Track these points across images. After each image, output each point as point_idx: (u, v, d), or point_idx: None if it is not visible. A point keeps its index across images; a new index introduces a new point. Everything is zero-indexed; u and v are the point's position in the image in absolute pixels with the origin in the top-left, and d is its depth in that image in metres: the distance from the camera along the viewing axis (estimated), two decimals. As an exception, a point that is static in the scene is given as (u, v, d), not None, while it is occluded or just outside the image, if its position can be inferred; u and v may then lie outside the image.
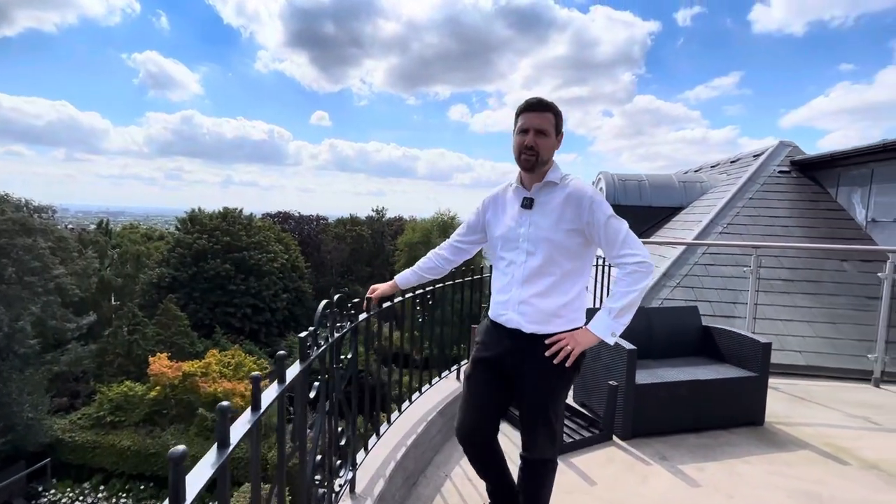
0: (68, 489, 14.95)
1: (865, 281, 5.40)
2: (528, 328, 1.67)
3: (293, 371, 1.21)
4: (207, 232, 28.88)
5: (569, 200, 1.65)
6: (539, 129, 1.63)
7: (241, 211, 31.58)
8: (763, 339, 3.32)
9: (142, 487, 15.14)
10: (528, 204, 1.69)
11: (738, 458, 2.86)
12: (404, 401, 2.67)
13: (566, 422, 3.13)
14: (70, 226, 32.87)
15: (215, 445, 0.81)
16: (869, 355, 4.37)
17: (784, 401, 3.80)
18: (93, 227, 33.14)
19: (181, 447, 0.67)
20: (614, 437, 3.05)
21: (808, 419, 3.47)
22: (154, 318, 22.22)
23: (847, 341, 4.92)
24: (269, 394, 1.07)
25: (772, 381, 3.44)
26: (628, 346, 3.04)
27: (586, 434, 3.03)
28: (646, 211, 8.36)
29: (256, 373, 0.97)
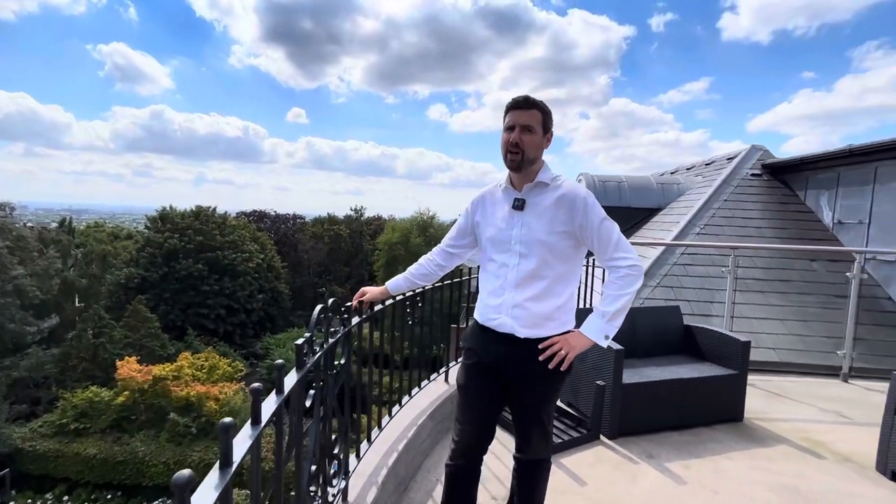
0: (29, 500, 14.20)
1: (834, 280, 5.64)
2: (522, 333, 1.64)
3: (291, 380, 1.16)
4: (179, 231, 27.95)
5: (562, 202, 1.63)
6: (525, 126, 1.60)
7: (214, 209, 30.69)
8: (742, 338, 3.41)
9: (109, 497, 14.51)
10: (519, 205, 1.66)
11: (721, 454, 2.92)
12: (395, 405, 2.62)
13: (555, 422, 3.14)
14: (30, 224, 31.24)
15: (217, 466, 0.75)
16: (838, 352, 4.56)
17: (761, 397, 3.92)
18: (54, 225, 31.62)
19: (187, 472, 0.62)
20: (602, 437, 3.07)
21: (784, 414, 3.59)
22: (122, 321, 21.35)
23: (817, 338, 5.13)
24: (268, 405, 1.01)
25: (749, 377, 3.54)
26: (616, 346, 3.07)
27: (574, 434, 3.04)
28: (625, 212, 8.52)
29: (257, 385, 0.91)
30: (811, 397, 3.98)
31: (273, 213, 40.47)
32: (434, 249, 2.02)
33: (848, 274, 4.50)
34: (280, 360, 1.08)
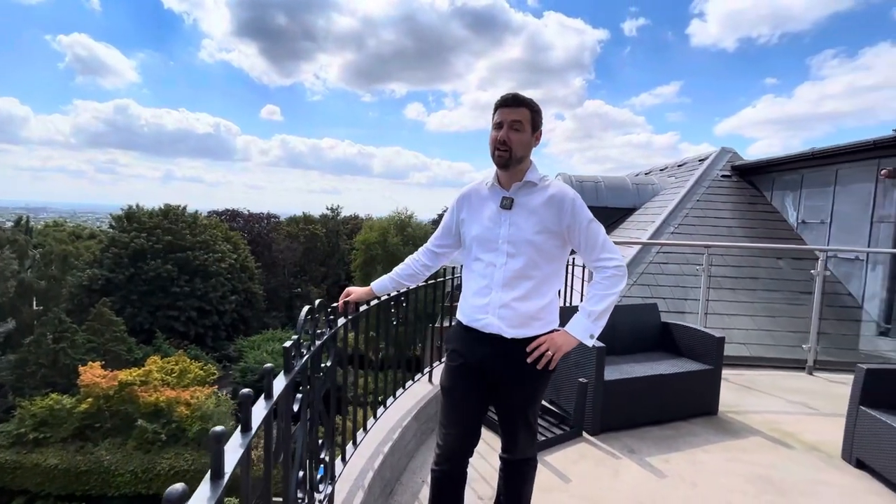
0: (-17, 516, 13.42)
1: (799, 277, 5.90)
2: (509, 333, 1.62)
3: (279, 384, 1.11)
4: (146, 230, 26.91)
5: (551, 202, 1.63)
6: (513, 125, 1.59)
7: (184, 208, 29.69)
8: (716, 334, 3.52)
9: (72, 509, 13.85)
10: (507, 204, 1.64)
11: (699, 447, 3.01)
12: (379, 407, 2.58)
13: (539, 420, 3.16)
14: (-18, 223, 29.46)
15: (207, 477, 0.70)
16: (803, 346, 4.76)
17: (733, 390, 4.05)
18: (10, 224, 29.90)
19: (180, 486, 0.57)
20: (584, 433, 3.11)
21: (755, 407, 3.72)
22: (85, 324, 20.40)
23: (784, 333, 5.35)
24: (257, 411, 0.96)
25: (722, 372, 3.66)
26: (598, 344, 3.12)
27: (557, 431, 3.07)
28: (602, 211, 8.69)
29: (246, 390, 0.87)
30: (779, 390, 4.14)
31: (246, 213, 39.47)
32: (420, 249, 1.98)
33: (812, 271, 4.70)
34: (269, 364, 1.03)
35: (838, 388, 4.18)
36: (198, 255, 27.17)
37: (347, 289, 2.01)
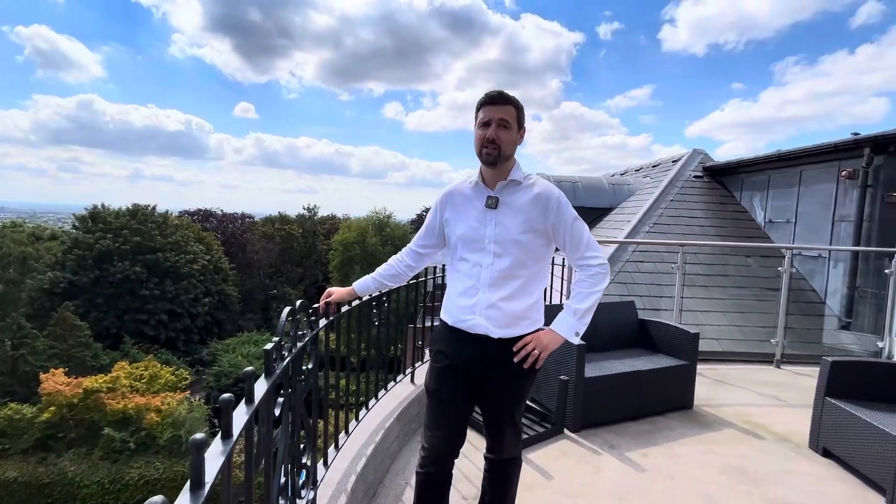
0: (-66, 535, 12.62)
1: (766, 275, 6.13)
2: (497, 333, 1.61)
3: (261, 388, 1.07)
4: (113, 231, 25.85)
5: (536, 201, 1.62)
6: (501, 122, 1.58)
7: (153, 208, 28.67)
8: (691, 330, 3.61)
9: (33, 524, 13.18)
10: (493, 203, 1.62)
11: (676, 440, 3.08)
12: (361, 409, 2.54)
13: (521, 418, 3.18)
14: (-68, 223, 27.76)
15: (187, 487, 0.67)
16: (771, 340, 4.95)
17: (707, 385, 4.17)
18: (-37, 224, 28.26)
19: (158, 499, 0.54)
20: (566, 430, 3.15)
21: (728, 400, 3.84)
22: (46, 330, 19.46)
23: (753, 328, 5.55)
24: (238, 416, 0.92)
25: (697, 367, 3.76)
26: (577, 341, 3.15)
27: (539, 429, 3.09)
28: (579, 211, 8.69)
29: (226, 395, 0.83)
30: (750, 383, 4.29)
31: (220, 212, 38.43)
32: (403, 250, 1.95)
33: (779, 269, 4.89)
34: (250, 368, 0.99)
35: (805, 381, 4.36)
36: (168, 256, 26.28)
37: (328, 289, 1.96)
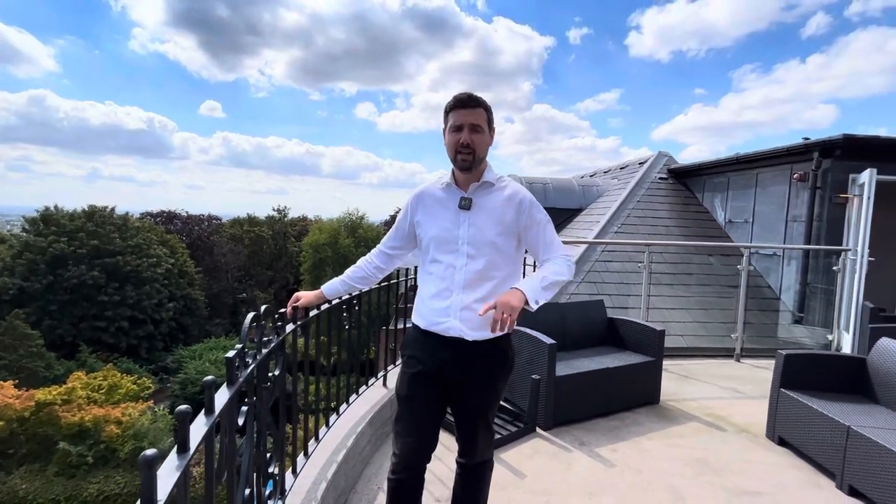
0: None
1: (727, 273, 6.40)
2: (471, 335, 1.59)
3: (222, 398, 1.03)
4: (67, 234, 24.51)
5: (510, 203, 1.63)
6: (473, 127, 1.56)
7: (112, 209, 27.34)
8: (657, 327, 3.73)
9: (-20, 547, 12.32)
10: (466, 205, 1.61)
11: (643, 435, 3.17)
12: (332, 414, 2.49)
13: (493, 418, 3.20)
14: None
15: (138, 506, 0.63)
16: (732, 335, 5.17)
17: (673, 380, 4.32)
18: None
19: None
20: (538, 429, 3.19)
21: (692, 394, 3.98)
22: (-7, 339, 18.24)
23: (715, 324, 5.78)
24: (197, 428, 0.89)
25: (663, 363, 3.88)
26: (548, 340, 3.21)
27: (512, 428, 3.12)
28: (550, 212, 8.86)
29: (183, 407, 0.80)
30: (712, 377, 4.47)
31: (184, 214, 37.08)
32: (372, 251, 1.92)
33: (738, 267, 5.12)
34: (210, 377, 0.96)
35: (762, 373, 4.58)
36: (129, 260, 25.12)
37: (296, 294, 1.91)
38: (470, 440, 1.74)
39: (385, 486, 2.31)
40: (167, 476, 0.71)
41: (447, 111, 1.62)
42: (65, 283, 23.38)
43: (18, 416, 13.55)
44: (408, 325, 1.80)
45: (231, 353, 1.12)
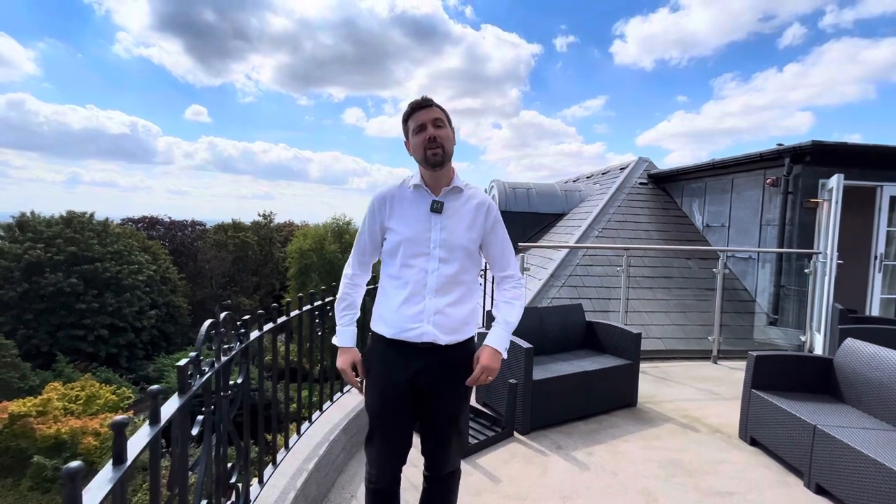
0: None
1: (704, 276, 6.51)
2: (444, 339, 1.58)
3: (170, 408, 1.01)
4: (44, 240, 23.89)
5: (479, 208, 1.66)
6: (436, 122, 1.57)
7: (91, 215, 26.74)
8: (634, 330, 3.78)
9: (-53, 567, 11.84)
10: (438, 208, 1.60)
11: (619, 438, 3.20)
12: (304, 422, 2.46)
13: (471, 423, 3.19)
14: None
15: (60, 521, 0.62)
16: (709, 337, 5.26)
17: (651, 382, 4.37)
18: None
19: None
20: (515, 433, 3.19)
21: (669, 396, 4.03)
22: (-35, 350, 17.64)
23: (693, 327, 5.87)
24: (139, 439, 0.87)
25: (641, 366, 3.93)
26: (525, 344, 3.22)
27: (490, 433, 3.12)
28: (533, 217, 9.06)
29: (121, 417, 0.78)
30: (689, 379, 4.53)
31: (167, 220, 36.43)
32: (350, 276, 1.74)
33: (714, 270, 5.22)
34: (156, 386, 0.94)
35: (737, 374, 4.65)
36: (109, 266, 24.56)
37: (343, 370, 1.71)
38: (443, 451, 1.70)
39: (359, 493, 2.30)
40: (97, 489, 0.70)
41: (406, 119, 1.63)
42: (41, 290, 22.75)
43: (-10, 429, 13.10)
44: (370, 339, 1.74)
45: (183, 362, 1.10)
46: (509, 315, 1.69)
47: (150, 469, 0.93)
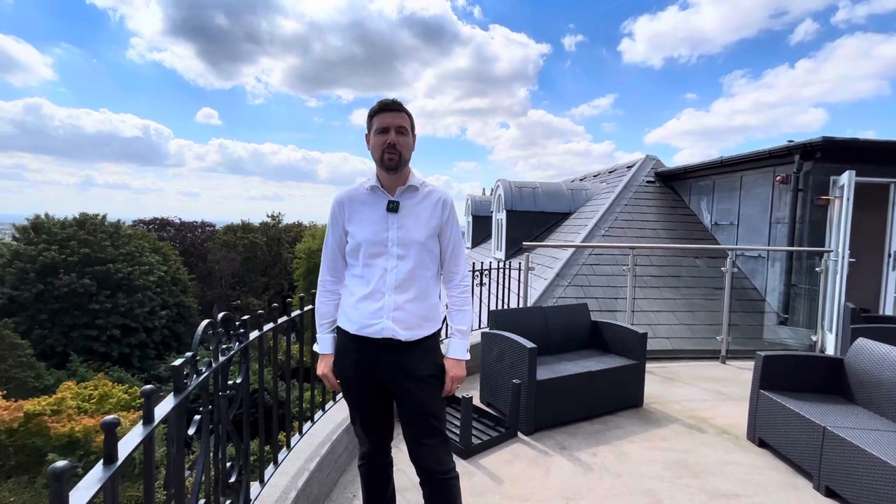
0: None
1: (713, 275, 6.43)
2: (404, 335, 1.63)
3: (164, 408, 1.02)
4: (59, 242, 24.31)
5: (435, 205, 1.70)
6: (399, 129, 1.62)
7: (104, 217, 27.15)
8: (640, 330, 3.73)
9: (-34, 563, 12.07)
10: (394, 207, 1.65)
11: (624, 438, 3.16)
12: (306, 421, 2.47)
13: (475, 423, 3.18)
14: None
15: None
16: (717, 337, 5.19)
17: (657, 382, 4.32)
18: None
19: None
20: (519, 434, 3.17)
21: (676, 397, 3.98)
22: (-19, 350, 17.99)
23: (701, 326, 5.80)
24: (132, 439, 0.87)
25: (647, 365, 3.89)
26: (529, 344, 3.20)
27: (493, 434, 3.11)
28: (540, 216, 9.01)
29: (111, 417, 0.79)
30: (697, 379, 4.48)
31: (178, 221, 36.91)
32: (326, 285, 1.80)
33: (723, 269, 5.15)
34: (149, 386, 0.95)
35: (746, 375, 4.58)
36: (121, 267, 24.92)
37: (324, 374, 1.79)
38: (421, 445, 1.70)
39: (360, 493, 2.30)
40: (86, 488, 0.70)
41: (371, 115, 1.66)
42: (55, 291, 23.15)
43: (7, 427, 13.35)
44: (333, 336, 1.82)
45: (179, 361, 1.11)
46: (461, 323, 1.79)
47: (144, 468, 0.94)
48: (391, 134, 1.60)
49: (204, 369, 1.28)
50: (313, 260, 27.35)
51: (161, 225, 35.72)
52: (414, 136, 1.71)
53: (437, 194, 1.72)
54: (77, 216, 26.41)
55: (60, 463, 0.62)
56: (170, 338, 27.07)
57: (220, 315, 1.40)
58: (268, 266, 35.89)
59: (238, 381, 1.58)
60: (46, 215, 26.27)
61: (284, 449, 2.18)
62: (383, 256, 1.64)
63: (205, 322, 1.29)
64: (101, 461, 0.78)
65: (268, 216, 38.55)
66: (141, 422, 0.94)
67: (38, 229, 25.04)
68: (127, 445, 0.83)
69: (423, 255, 1.67)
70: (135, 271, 25.37)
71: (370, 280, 1.64)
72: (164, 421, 1.05)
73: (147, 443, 0.90)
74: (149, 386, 0.95)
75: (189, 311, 28.81)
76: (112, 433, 0.79)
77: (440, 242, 1.73)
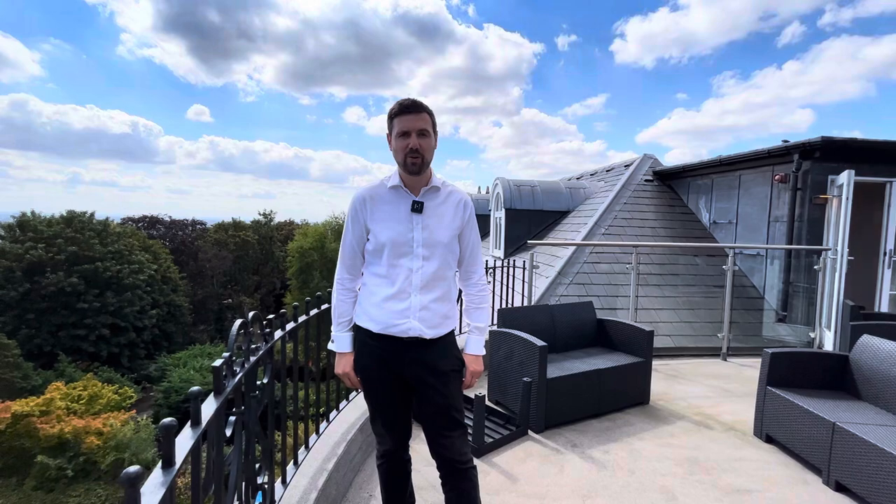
0: None
1: (712, 273, 6.50)
2: (429, 333, 1.66)
3: (209, 409, 1.00)
4: (45, 240, 23.86)
5: (457, 206, 1.72)
6: (421, 132, 1.60)
7: (92, 215, 26.70)
8: (646, 328, 3.76)
9: (-48, 567, 11.84)
10: (419, 208, 1.65)
11: (634, 436, 3.18)
12: (322, 421, 2.45)
13: (486, 422, 3.17)
14: None
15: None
16: (718, 334, 5.24)
17: (662, 380, 4.35)
18: None
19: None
20: (530, 432, 3.17)
21: (681, 394, 4.02)
22: (-33, 350, 17.62)
23: (702, 324, 5.86)
24: (183, 441, 0.85)
25: (652, 363, 3.91)
26: (539, 342, 3.20)
27: (504, 432, 3.10)
28: (539, 214, 9.03)
29: (169, 420, 0.76)
30: (700, 376, 4.52)
31: (168, 219, 36.39)
32: (343, 282, 1.76)
33: (723, 267, 5.20)
34: (196, 387, 0.92)
35: (748, 371, 4.64)
36: (109, 266, 24.53)
37: (345, 373, 1.76)
38: (443, 438, 1.71)
39: (377, 492, 2.30)
40: (151, 493, 0.68)
41: (392, 117, 1.64)
42: (42, 290, 22.73)
43: (-7, 429, 13.10)
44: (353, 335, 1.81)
45: (218, 362, 1.08)
46: (479, 321, 1.85)
47: (192, 469, 0.91)
48: (413, 138, 1.59)
49: (238, 370, 1.25)
50: (306, 259, 27.13)
51: (150, 223, 35.22)
52: (435, 134, 1.69)
53: (458, 195, 1.73)
54: (64, 214, 25.94)
55: (132, 468, 0.60)
56: (160, 337, 26.74)
57: (251, 315, 1.37)
58: (259, 264, 35.59)
59: (264, 381, 1.55)
60: (33, 213, 25.76)
61: (303, 449, 2.15)
62: (408, 257, 1.64)
63: (239, 321, 1.26)
64: (160, 464, 0.75)
65: (259, 214, 38.22)
66: (189, 423, 0.91)
67: (25, 227, 24.55)
68: (181, 449, 0.81)
69: (447, 255, 1.69)
70: (124, 270, 24.99)
71: (395, 280, 1.64)
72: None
73: (196, 446, 0.88)
74: (195, 388, 0.92)
75: (180, 310, 28.47)
76: (170, 437, 0.76)
77: (460, 243, 1.75)
